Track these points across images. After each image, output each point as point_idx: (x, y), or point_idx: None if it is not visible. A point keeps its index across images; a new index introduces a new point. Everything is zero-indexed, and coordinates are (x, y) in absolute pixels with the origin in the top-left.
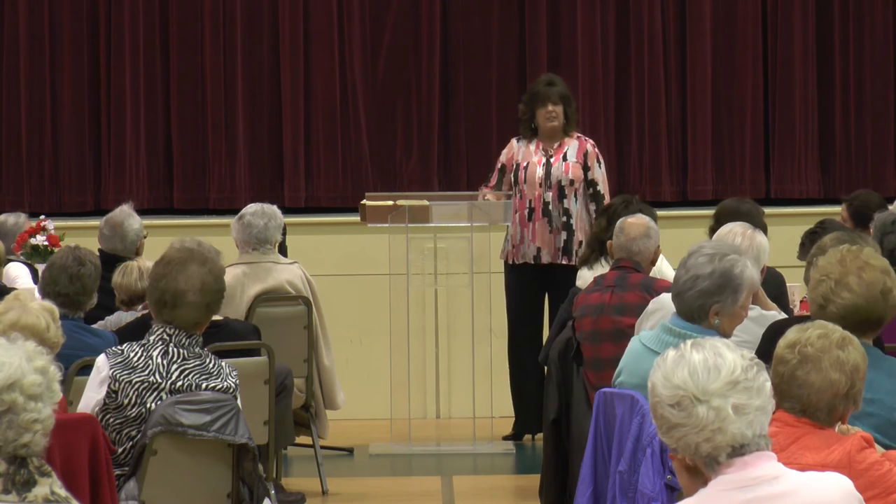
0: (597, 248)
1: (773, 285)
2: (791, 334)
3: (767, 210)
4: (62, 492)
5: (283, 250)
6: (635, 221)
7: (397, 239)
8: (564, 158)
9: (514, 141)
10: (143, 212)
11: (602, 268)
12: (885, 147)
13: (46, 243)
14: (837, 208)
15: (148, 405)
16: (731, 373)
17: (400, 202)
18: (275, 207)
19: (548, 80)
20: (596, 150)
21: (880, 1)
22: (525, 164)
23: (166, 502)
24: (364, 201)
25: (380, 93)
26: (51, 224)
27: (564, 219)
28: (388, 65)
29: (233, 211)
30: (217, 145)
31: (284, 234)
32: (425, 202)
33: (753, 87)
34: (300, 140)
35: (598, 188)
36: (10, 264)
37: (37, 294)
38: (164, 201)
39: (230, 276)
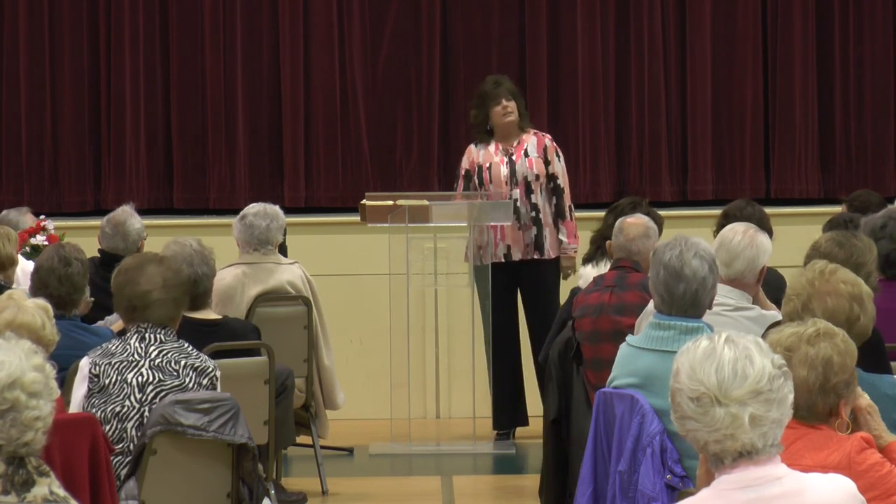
0: (602, 245)
1: (774, 286)
2: (769, 337)
3: (767, 210)
4: (60, 492)
5: (283, 250)
6: (634, 221)
7: (397, 239)
8: (526, 154)
9: (472, 147)
10: (143, 212)
11: (606, 266)
12: (885, 147)
13: (46, 243)
14: (837, 208)
15: (129, 380)
16: (757, 382)
17: (400, 202)
18: (277, 208)
19: (494, 81)
20: (554, 144)
21: (880, 1)
22: (487, 165)
23: (166, 502)
24: (364, 201)
25: (380, 93)
26: (51, 224)
27: (533, 214)
28: (388, 65)
29: (233, 211)
30: (217, 145)
31: (284, 234)
32: (425, 202)
33: (753, 87)
34: (300, 140)
35: (559, 182)
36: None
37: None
38: (164, 201)
39: (230, 275)
